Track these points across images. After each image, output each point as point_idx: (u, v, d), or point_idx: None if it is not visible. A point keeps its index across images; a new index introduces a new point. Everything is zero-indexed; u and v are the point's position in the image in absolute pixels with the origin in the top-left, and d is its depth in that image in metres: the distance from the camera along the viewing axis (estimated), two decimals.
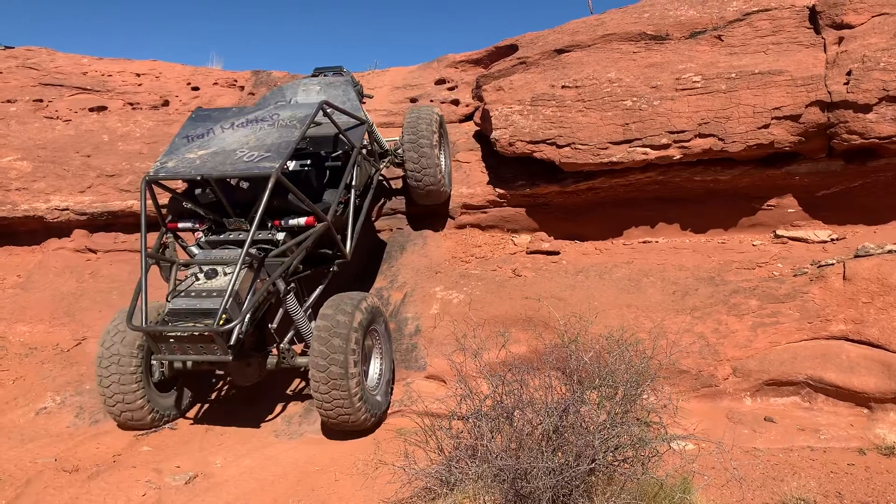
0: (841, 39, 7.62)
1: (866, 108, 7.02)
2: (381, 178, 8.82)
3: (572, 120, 8.14)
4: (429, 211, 9.07)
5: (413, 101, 10.48)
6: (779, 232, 7.89)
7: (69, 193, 9.86)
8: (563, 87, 8.40)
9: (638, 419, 4.53)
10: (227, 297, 5.63)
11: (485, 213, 9.03)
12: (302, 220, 6.48)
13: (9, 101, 11.08)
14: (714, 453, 4.98)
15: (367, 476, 5.18)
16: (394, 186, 9.36)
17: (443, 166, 8.62)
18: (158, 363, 6.39)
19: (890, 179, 7.45)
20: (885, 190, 7.51)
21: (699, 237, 8.21)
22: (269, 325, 6.46)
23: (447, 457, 4.61)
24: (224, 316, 5.63)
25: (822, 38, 7.79)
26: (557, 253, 8.42)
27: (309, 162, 7.15)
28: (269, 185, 5.88)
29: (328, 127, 7.24)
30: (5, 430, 6.75)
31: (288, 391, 7.31)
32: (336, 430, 6.25)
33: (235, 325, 5.71)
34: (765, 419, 6.06)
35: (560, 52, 9.02)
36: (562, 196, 8.66)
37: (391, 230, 9.12)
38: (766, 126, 7.41)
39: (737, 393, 6.32)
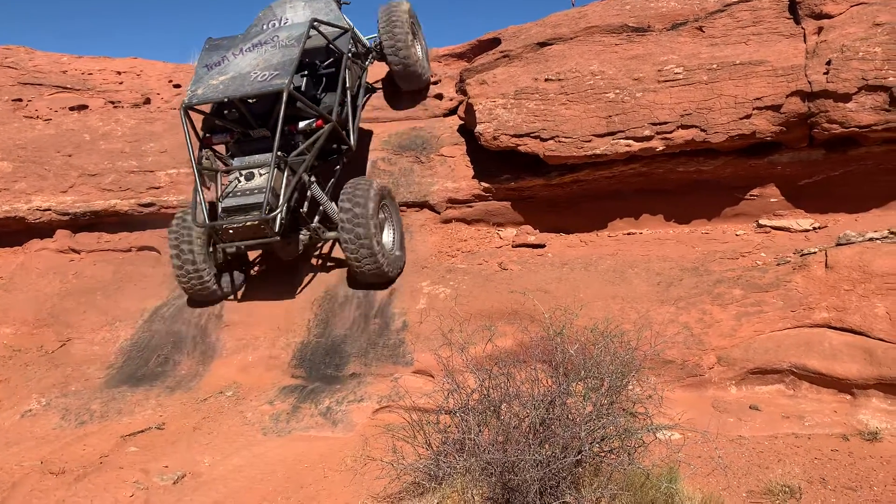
0: (820, 29, 7.68)
1: (846, 98, 7.07)
2: (367, 84, 9.87)
3: (556, 113, 8.15)
4: (414, 203, 9.10)
5: None
6: (762, 221, 7.94)
7: (51, 193, 9.77)
8: (546, 80, 8.41)
9: (624, 410, 4.57)
10: (267, 192, 7.16)
11: (470, 207, 9.03)
12: (313, 123, 7.86)
13: None
14: (700, 442, 5.03)
15: (355, 472, 5.18)
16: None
17: (419, 51, 9.86)
18: (218, 249, 7.96)
19: (870, 168, 7.52)
20: (866, 178, 7.58)
21: (683, 228, 8.26)
22: (301, 210, 7.88)
23: (435, 451, 4.62)
24: (268, 207, 7.13)
25: (802, 28, 7.85)
26: (543, 246, 8.44)
27: (306, 72, 8.29)
28: (283, 99, 7.25)
29: (317, 39, 8.31)
30: None
31: (314, 262, 8.64)
32: (364, 278, 7.81)
33: (278, 213, 7.21)
34: (750, 407, 6.11)
35: (543, 45, 9.03)
36: (547, 189, 8.68)
37: None
38: (748, 116, 7.46)
39: (722, 382, 6.37)
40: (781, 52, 7.64)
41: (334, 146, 8.50)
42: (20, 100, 11.01)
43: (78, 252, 9.79)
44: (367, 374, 7.21)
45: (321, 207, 8.02)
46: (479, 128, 8.51)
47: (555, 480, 4.07)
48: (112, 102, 11.07)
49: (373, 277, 7.80)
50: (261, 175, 7.42)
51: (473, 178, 8.99)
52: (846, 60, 7.11)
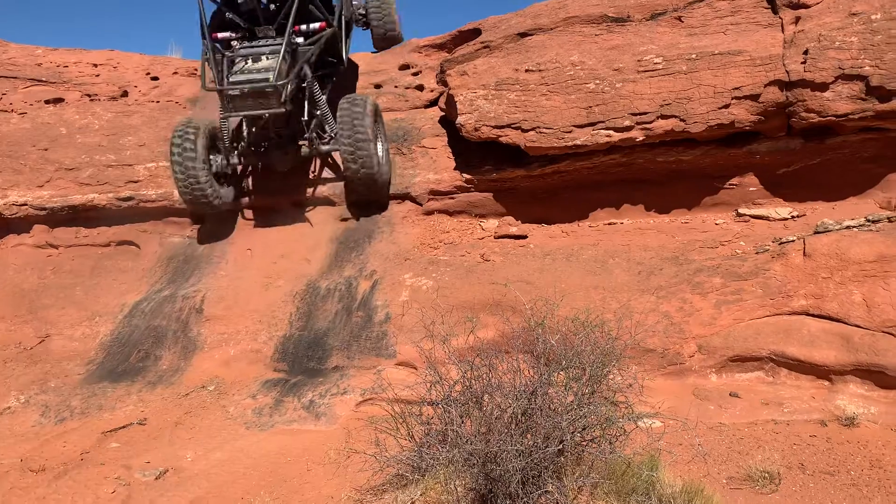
0: (798, 19, 7.72)
1: (823, 87, 7.14)
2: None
3: (536, 104, 8.16)
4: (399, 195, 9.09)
5: (377, 86, 10.40)
6: (741, 210, 8.01)
7: (27, 188, 9.63)
8: (526, 70, 8.40)
9: (605, 399, 4.60)
10: (279, 62, 7.95)
11: (452, 198, 9.02)
12: (316, 25, 8.75)
13: None
14: (680, 430, 5.07)
15: (338, 465, 5.18)
16: None
17: (395, 14, 11.08)
18: (215, 159, 8.73)
19: (847, 157, 7.60)
20: (843, 167, 7.66)
21: (663, 217, 8.31)
22: (302, 119, 8.58)
23: (418, 443, 4.64)
24: (277, 75, 7.82)
25: (780, 17, 7.88)
26: (525, 237, 8.45)
27: None
28: None
29: None
30: None
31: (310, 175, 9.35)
32: (361, 189, 8.70)
33: (287, 82, 7.97)
34: (730, 395, 6.18)
35: (523, 35, 9.00)
36: (528, 180, 8.69)
37: (357, 219, 9.08)
38: (727, 106, 7.50)
39: (702, 370, 6.44)
40: (759, 42, 7.68)
41: (329, 59, 9.32)
42: None
43: (56, 247, 9.67)
44: (350, 366, 7.20)
45: (318, 115, 8.70)
46: (460, 119, 8.49)
47: (537, 470, 4.09)
48: (88, 95, 10.90)
49: (369, 187, 8.62)
50: (268, 59, 8.14)
51: (455, 169, 8.98)
52: (823, 50, 7.17)
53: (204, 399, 7.01)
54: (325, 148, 8.75)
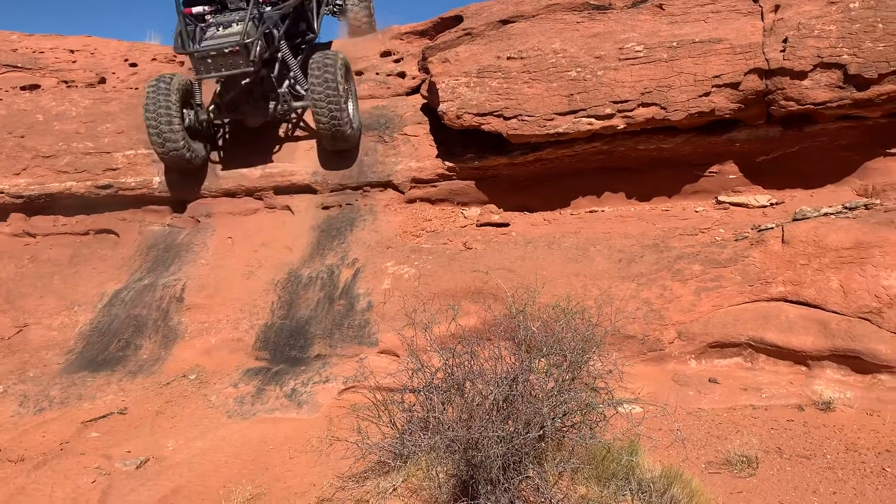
0: (777, 7, 7.75)
1: (802, 75, 7.19)
2: None
3: (518, 91, 8.15)
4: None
5: (359, 73, 10.32)
6: (720, 198, 8.07)
7: (3, 176, 9.50)
8: (508, 58, 8.38)
9: (585, 385, 4.62)
10: (246, 25, 8.09)
11: (434, 186, 9.01)
12: None
13: None
14: (660, 415, 5.11)
15: (321, 453, 5.18)
16: None
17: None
18: (187, 114, 8.81)
19: (825, 144, 7.67)
20: (821, 155, 7.73)
21: (644, 205, 8.35)
22: (272, 75, 8.87)
23: (400, 430, 4.65)
24: (246, 35, 8.03)
25: (760, 6, 7.92)
26: (507, 225, 8.46)
27: None
28: None
29: None
30: None
31: (281, 133, 9.58)
32: (331, 143, 8.84)
33: (255, 40, 8.15)
34: (709, 380, 6.24)
35: (505, 22, 8.98)
36: (510, 168, 8.69)
37: (340, 206, 9.04)
38: (707, 94, 7.54)
39: (682, 356, 6.49)
40: (740, 30, 7.71)
41: (301, 29, 9.77)
42: None
43: (33, 236, 9.56)
44: (333, 355, 7.20)
45: (290, 76, 9.08)
46: (442, 106, 8.47)
47: (518, 456, 4.11)
48: (65, 82, 10.74)
49: (339, 141, 8.81)
50: (237, 26, 8.32)
51: (437, 157, 8.96)
52: (802, 38, 7.22)
53: (185, 388, 6.98)
54: (296, 104, 9.05)
